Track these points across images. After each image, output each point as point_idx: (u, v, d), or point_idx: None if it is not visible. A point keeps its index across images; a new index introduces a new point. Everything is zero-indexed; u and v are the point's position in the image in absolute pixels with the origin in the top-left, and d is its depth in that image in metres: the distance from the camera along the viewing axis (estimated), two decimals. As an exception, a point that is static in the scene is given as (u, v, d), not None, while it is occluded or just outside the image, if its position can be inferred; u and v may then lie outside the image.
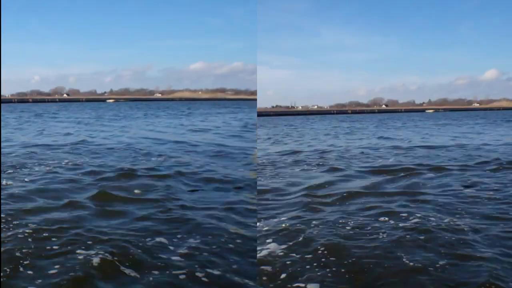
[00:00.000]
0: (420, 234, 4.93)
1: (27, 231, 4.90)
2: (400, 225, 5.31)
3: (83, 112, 38.23)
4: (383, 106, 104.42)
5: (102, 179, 7.88)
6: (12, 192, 6.70)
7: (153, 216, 5.65)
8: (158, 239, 4.83)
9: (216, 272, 4.07)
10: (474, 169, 9.45)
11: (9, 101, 74.10)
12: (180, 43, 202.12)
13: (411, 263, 4.19)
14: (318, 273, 4.05)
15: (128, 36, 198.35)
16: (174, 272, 4.07)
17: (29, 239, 4.68)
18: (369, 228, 5.26)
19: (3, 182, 7.40)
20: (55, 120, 27.74)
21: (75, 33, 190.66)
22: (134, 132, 18.14)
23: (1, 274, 3.92)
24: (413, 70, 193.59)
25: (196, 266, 4.18)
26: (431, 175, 8.67)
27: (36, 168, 8.84)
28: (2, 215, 5.43)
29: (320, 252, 4.49)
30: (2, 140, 13.36)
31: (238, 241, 4.84)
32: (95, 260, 4.11)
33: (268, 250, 4.61)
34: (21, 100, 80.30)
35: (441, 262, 4.19)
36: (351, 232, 5.13)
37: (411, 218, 5.59)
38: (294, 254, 4.48)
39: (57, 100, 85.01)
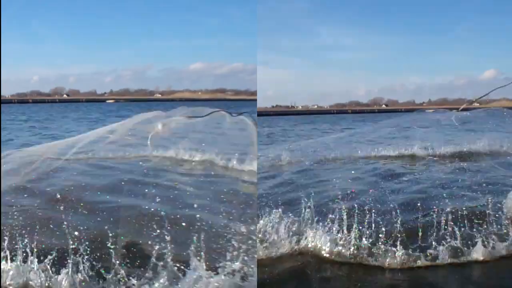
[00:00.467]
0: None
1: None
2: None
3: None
4: (383, 106, 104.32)
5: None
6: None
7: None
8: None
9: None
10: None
11: (9, 101, 74.05)
12: (180, 43, 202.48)
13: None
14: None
15: (128, 36, 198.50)
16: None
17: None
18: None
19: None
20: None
21: (75, 33, 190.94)
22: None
23: (1, 273, 3.94)
24: (413, 70, 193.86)
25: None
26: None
27: None
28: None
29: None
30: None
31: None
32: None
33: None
34: (21, 100, 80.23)
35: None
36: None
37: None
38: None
39: (57, 100, 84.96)
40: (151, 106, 58.56)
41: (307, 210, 5.13)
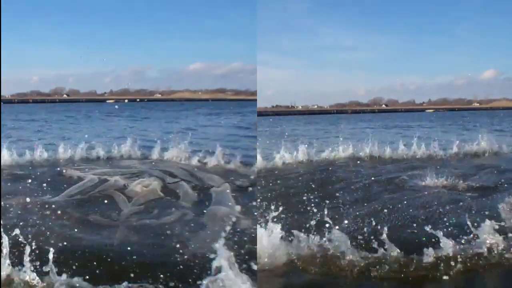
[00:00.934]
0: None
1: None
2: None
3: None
4: (383, 106, 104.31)
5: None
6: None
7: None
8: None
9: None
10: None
11: (9, 101, 74.10)
12: (180, 43, 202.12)
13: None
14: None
15: (128, 36, 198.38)
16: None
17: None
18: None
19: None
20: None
21: (75, 33, 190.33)
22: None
23: (1, 273, 3.93)
24: (413, 70, 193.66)
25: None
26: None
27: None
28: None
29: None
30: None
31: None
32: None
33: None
34: (21, 100, 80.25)
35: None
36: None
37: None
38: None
39: (57, 100, 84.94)
40: (151, 106, 58.94)
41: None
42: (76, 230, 5.24)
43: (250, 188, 7.58)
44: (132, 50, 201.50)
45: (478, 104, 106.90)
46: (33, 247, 3.95)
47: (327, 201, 6.58)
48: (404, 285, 3.92)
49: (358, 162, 11.41)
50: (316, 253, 4.39)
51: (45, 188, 7.20)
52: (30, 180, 7.65)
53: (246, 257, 4.18)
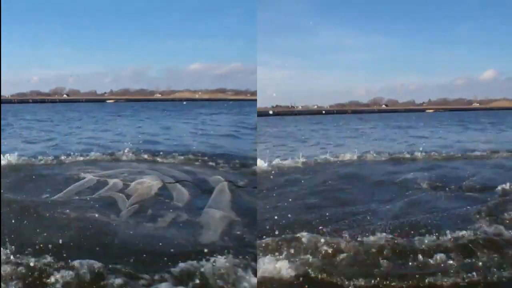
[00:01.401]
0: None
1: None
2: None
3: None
4: (383, 106, 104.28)
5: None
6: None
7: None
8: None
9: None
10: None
11: (9, 101, 74.08)
12: (180, 43, 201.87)
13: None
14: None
15: (128, 36, 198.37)
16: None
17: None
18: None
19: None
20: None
21: (75, 34, 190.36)
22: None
23: (1, 272, 3.94)
24: (413, 70, 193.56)
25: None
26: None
27: None
28: None
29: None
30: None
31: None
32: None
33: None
34: (21, 100, 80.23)
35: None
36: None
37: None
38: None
39: (57, 100, 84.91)
40: (151, 106, 58.91)
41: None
42: (74, 229, 5.24)
43: (250, 188, 7.58)
44: (132, 50, 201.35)
45: (478, 104, 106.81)
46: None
47: (327, 201, 6.57)
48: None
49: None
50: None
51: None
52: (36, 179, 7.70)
53: (246, 256, 4.18)
